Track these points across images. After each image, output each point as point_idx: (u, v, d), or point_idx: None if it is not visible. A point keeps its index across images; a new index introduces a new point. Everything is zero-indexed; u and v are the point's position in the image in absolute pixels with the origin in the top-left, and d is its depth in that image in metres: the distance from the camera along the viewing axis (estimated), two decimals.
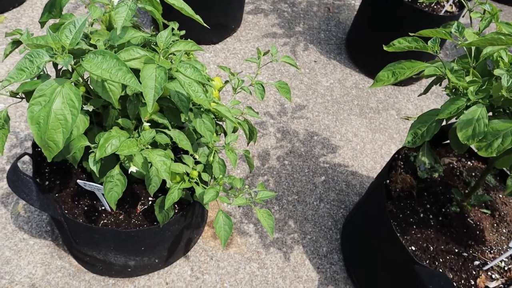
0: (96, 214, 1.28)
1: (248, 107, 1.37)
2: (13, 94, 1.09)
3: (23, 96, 1.13)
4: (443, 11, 2.02)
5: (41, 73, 1.11)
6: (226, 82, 1.41)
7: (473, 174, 1.54)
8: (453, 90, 1.08)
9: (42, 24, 1.15)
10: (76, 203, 1.30)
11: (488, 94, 1.01)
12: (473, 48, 1.10)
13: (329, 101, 2.21)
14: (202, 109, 1.16)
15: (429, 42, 1.00)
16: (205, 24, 1.12)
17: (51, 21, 2.10)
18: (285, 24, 2.54)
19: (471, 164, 1.58)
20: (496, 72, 1.02)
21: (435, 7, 2.06)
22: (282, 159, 1.95)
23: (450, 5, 2.06)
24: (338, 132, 2.10)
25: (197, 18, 1.08)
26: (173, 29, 1.16)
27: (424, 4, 2.04)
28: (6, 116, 1.05)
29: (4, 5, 2.26)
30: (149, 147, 1.00)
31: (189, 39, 1.04)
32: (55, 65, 1.14)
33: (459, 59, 1.15)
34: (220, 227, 1.12)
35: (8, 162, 1.77)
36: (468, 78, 1.05)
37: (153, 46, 1.07)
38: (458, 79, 0.96)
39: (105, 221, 1.27)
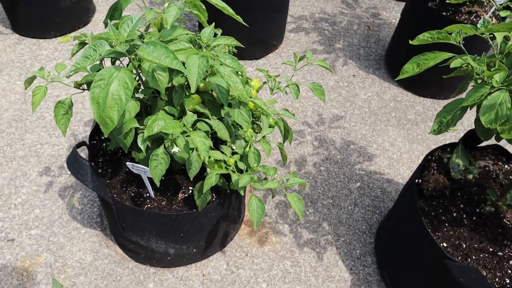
0: (141, 199, 1.40)
1: (284, 109, 1.47)
2: (77, 85, 1.26)
3: (85, 87, 1.29)
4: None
5: (101, 67, 1.28)
6: (264, 83, 1.52)
7: (510, 177, 1.53)
8: (479, 82, 1.12)
9: (106, 25, 1.33)
10: (124, 189, 1.43)
11: None
12: (499, 43, 1.14)
13: (367, 113, 2.27)
14: (240, 101, 1.27)
15: (452, 34, 1.06)
16: (244, 23, 1.24)
17: None
18: (325, 41, 2.65)
19: (508, 168, 1.56)
20: None
21: (474, 20, 2.09)
22: (319, 165, 2.02)
23: (490, 16, 2.09)
24: (374, 142, 2.13)
25: (237, 17, 1.20)
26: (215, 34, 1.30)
27: (463, 17, 2.08)
28: (71, 102, 1.21)
29: (71, 26, 2.53)
30: (191, 129, 1.11)
31: (229, 36, 1.16)
32: (113, 62, 1.30)
33: (486, 56, 1.19)
34: (253, 209, 1.20)
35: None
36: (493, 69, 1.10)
37: (198, 42, 1.20)
38: (479, 64, 1.01)
39: (149, 205, 1.38)
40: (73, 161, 1.31)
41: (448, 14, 2.11)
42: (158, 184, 1.15)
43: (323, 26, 2.77)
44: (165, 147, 1.14)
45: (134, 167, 1.25)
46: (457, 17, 2.10)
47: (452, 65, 1.14)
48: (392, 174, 2.00)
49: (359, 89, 2.38)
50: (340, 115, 2.25)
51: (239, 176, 1.28)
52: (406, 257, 1.52)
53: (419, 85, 2.36)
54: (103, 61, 1.30)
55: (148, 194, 1.42)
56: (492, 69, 1.06)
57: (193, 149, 1.18)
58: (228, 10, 1.17)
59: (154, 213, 1.34)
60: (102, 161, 1.49)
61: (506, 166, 1.57)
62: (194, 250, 1.56)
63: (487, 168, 1.56)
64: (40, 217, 1.76)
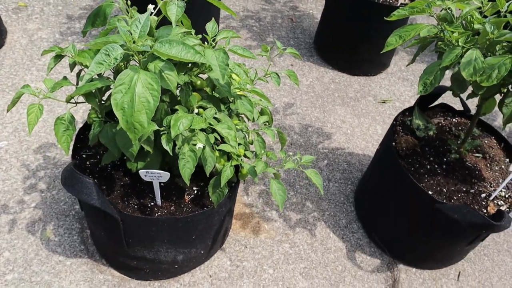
0: (149, 209, 1.35)
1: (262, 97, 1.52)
2: (69, 99, 1.17)
3: (77, 102, 1.21)
4: (398, 3, 2.33)
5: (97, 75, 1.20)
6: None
7: (460, 128, 1.79)
8: (446, 46, 1.31)
9: (84, 33, 1.25)
10: (126, 203, 1.36)
11: (475, 42, 1.25)
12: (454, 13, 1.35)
13: (313, 97, 2.42)
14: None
15: (424, 6, 1.23)
16: (235, 15, 1.27)
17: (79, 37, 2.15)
18: (256, 37, 2.76)
19: (456, 121, 1.82)
20: (476, 26, 1.27)
21: (390, 1, 2.37)
22: (286, 151, 2.10)
23: None
24: (328, 122, 2.30)
25: (231, 11, 1.23)
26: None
27: (382, 0, 2.33)
28: (70, 117, 1.13)
29: None
30: (216, 122, 1.12)
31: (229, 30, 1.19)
32: (116, 71, 1.22)
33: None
34: (275, 192, 1.25)
35: (25, 193, 1.77)
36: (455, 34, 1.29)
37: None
38: (457, 29, 1.19)
39: (159, 213, 1.34)
40: (73, 182, 1.21)
41: None
42: (188, 182, 1.13)
43: (250, 23, 2.87)
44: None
45: (148, 174, 1.21)
46: (376, 0, 2.35)
47: (421, 34, 1.31)
48: (352, 148, 2.18)
49: (300, 77, 2.53)
50: (291, 102, 2.37)
51: (249, 165, 1.31)
52: (392, 212, 1.68)
53: (352, 66, 2.59)
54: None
55: (153, 203, 1.37)
56: (458, 34, 1.25)
57: (204, 146, 1.19)
58: (221, 4, 1.19)
59: (169, 219, 1.30)
60: (94, 179, 1.39)
61: (453, 119, 1.83)
62: (202, 252, 1.54)
63: (440, 124, 1.80)
64: (12, 259, 1.58)
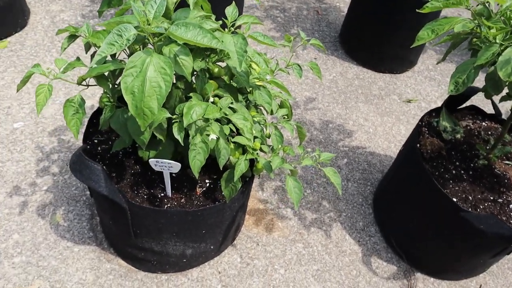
0: (158, 200, 1.30)
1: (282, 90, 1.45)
2: (80, 81, 1.13)
3: (88, 84, 1.16)
4: None
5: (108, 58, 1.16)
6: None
7: (490, 132, 1.68)
8: (481, 42, 1.22)
9: (100, 13, 1.21)
10: (136, 192, 1.32)
11: None
12: (492, 8, 1.24)
13: (336, 92, 2.34)
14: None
15: None
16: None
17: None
18: (280, 28, 2.68)
19: (486, 125, 1.72)
20: None
21: None
22: (305, 147, 2.04)
23: None
24: (350, 119, 2.21)
25: None
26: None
27: None
28: (81, 100, 1.09)
29: (7, 31, 2.26)
30: (232, 112, 1.06)
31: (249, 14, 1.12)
32: (131, 54, 1.17)
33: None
34: (291, 190, 1.18)
35: (37, 175, 1.75)
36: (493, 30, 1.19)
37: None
38: (495, 24, 1.09)
39: (169, 205, 1.29)
40: (82, 168, 1.17)
41: None
42: (197, 175, 1.08)
43: (275, 14, 2.79)
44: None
45: (158, 164, 1.16)
46: None
47: (456, 29, 1.21)
48: (373, 147, 2.09)
49: (324, 71, 2.45)
50: (312, 97, 2.29)
51: (265, 159, 1.25)
52: (413, 218, 1.60)
53: (377, 62, 2.49)
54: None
55: (163, 194, 1.32)
56: (495, 31, 1.15)
57: (219, 137, 1.13)
58: None
59: (178, 211, 1.25)
60: (103, 166, 1.35)
61: (483, 123, 1.72)
62: (212, 247, 1.49)
63: (468, 127, 1.70)
64: (21, 242, 1.56)
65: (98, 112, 1.48)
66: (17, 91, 1.08)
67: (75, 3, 2.59)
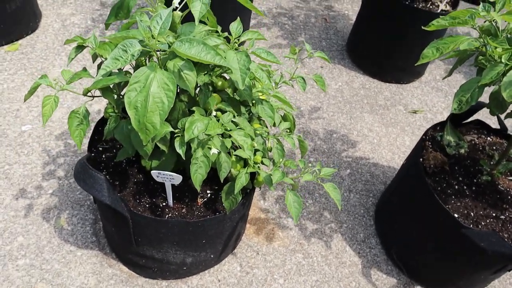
0: (159, 209, 1.32)
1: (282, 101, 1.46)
2: (86, 92, 1.15)
3: (94, 95, 1.18)
4: (439, 10, 2.21)
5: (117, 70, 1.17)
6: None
7: (494, 148, 1.67)
8: (487, 61, 1.21)
9: (107, 26, 1.22)
10: (138, 201, 1.33)
11: None
12: (499, 26, 1.24)
13: (341, 102, 2.34)
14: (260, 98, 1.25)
15: (466, 17, 1.14)
16: (263, 15, 1.21)
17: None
18: (287, 35, 2.69)
19: (491, 140, 1.71)
20: None
21: (430, 7, 2.25)
22: (308, 157, 2.04)
23: (445, 4, 2.26)
24: (354, 129, 2.21)
25: (259, 11, 1.18)
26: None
27: (421, 5, 2.22)
28: (85, 111, 1.11)
29: (18, 33, 2.30)
30: (234, 128, 1.07)
31: (254, 30, 1.13)
32: (137, 66, 1.18)
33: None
34: (290, 205, 1.19)
35: (43, 179, 1.78)
36: (499, 49, 1.19)
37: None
38: (500, 44, 1.09)
39: (170, 215, 1.31)
40: (85, 177, 1.19)
41: (407, 2, 2.25)
42: (199, 189, 1.09)
43: (283, 21, 2.80)
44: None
45: (160, 175, 1.17)
46: (415, 5, 2.24)
47: (461, 47, 1.22)
48: (377, 158, 2.09)
49: (329, 80, 2.45)
50: (317, 106, 2.30)
51: (266, 173, 1.26)
52: (414, 231, 1.60)
53: (384, 72, 2.48)
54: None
55: (164, 204, 1.34)
56: (501, 50, 1.15)
57: (220, 151, 1.14)
58: (250, 4, 1.14)
59: (179, 222, 1.27)
60: (106, 173, 1.38)
61: (488, 138, 1.72)
62: (212, 256, 1.50)
63: (473, 142, 1.69)
64: (26, 244, 1.59)
65: (103, 120, 1.50)
66: (25, 101, 1.10)
67: (85, 7, 2.62)
